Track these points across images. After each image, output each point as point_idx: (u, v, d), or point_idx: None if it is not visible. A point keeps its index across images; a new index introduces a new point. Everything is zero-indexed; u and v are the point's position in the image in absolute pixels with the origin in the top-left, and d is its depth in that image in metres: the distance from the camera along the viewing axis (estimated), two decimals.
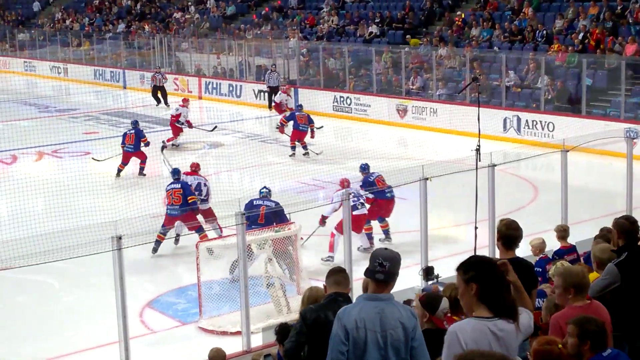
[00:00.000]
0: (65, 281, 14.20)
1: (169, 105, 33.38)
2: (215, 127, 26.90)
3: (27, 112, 34.26)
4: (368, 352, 5.51)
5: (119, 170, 21.59)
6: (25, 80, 45.86)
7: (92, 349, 11.49)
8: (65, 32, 49.62)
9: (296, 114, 24.01)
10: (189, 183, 15.66)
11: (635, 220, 7.37)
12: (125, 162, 21.58)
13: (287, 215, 13.47)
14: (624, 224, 7.26)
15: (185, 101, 26.74)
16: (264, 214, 13.61)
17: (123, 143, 21.53)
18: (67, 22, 52.49)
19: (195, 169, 16.52)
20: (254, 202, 13.97)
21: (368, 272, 5.68)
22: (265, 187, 14.54)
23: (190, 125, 25.76)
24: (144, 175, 21.49)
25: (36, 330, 12.45)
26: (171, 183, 15.68)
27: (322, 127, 25.39)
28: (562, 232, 10.76)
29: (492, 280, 4.85)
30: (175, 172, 16.00)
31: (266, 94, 33.10)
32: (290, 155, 23.46)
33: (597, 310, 6.00)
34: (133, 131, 21.58)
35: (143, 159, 21.65)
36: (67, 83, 43.54)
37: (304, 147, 23.66)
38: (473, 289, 4.82)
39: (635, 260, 7.00)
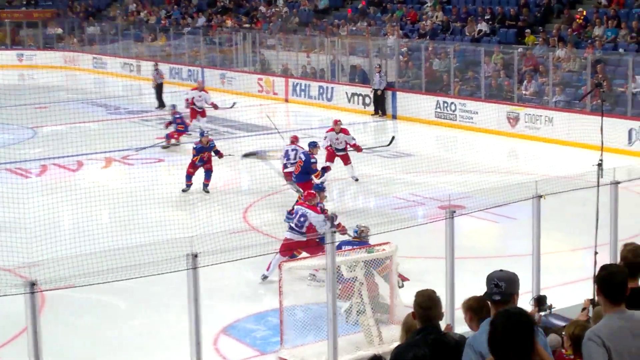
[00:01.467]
0: (133, 303, 14.39)
1: (163, 106, 34.14)
2: (235, 103, 30.61)
3: (96, 113, 34.87)
4: None
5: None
6: (93, 78, 46.65)
7: None
8: (139, 25, 50.43)
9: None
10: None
11: None
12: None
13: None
14: None
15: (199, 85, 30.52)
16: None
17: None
18: (142, 14, 53.24)
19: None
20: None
21: (486, 295, 6.31)
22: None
23: (215, 107, 29.60)
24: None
25: (99, 355, 12.65)
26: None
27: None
28: None
29: None
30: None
31: (364, 98, 33.26)
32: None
33: None
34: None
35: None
36: (140, 82, 44.11)
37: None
38: None
39: None
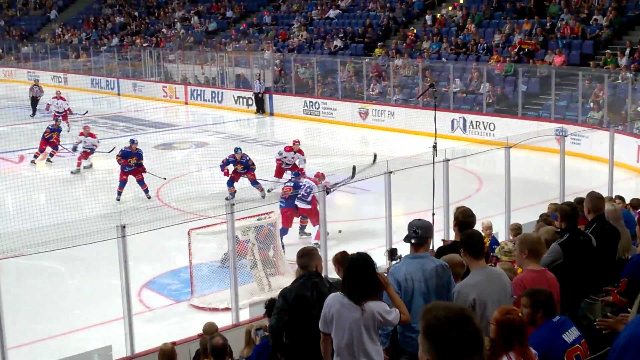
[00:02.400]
0: (71, 267, 14.09)
1: (33, 115, 33.12)
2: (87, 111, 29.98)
3: (32, 116, 33.85)
4: (415, 298, 6.15)
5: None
6: (29, 88, 45.23)
7: (98, 325, 11.43)
8: (64, 45, 49.16)
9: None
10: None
11: (576, 206, 7.46)
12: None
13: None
14: (566, 209, 7.34)
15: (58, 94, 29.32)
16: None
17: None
18: (67, 36, 51.95)
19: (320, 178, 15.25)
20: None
21: (406, 238, 6.46)
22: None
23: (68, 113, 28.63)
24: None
25: (48, 309, 12.37)
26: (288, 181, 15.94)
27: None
28: (516, 230, 10.75)
29: None
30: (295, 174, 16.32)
31: (247, 100, 33.12)
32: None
33: (548, 279, 6.11)
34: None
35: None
36: (67, 91, 43.00)
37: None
38: None
39: (575, 240, 7.08)
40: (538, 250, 6.23)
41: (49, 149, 23.07)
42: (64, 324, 11.64)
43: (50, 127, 23.48)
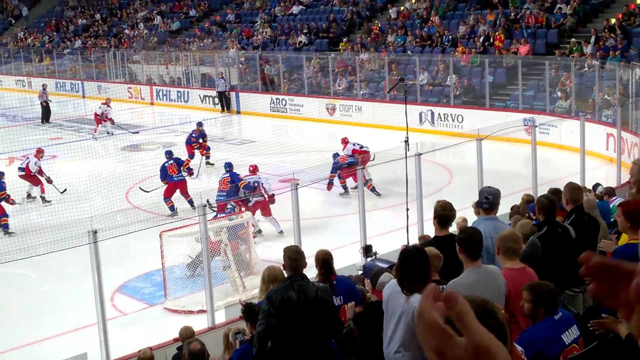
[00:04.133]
0: (41, 273, 13.82)
1: (47, 122, 32.05)
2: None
3: None
4: (495, 255, 6.43)
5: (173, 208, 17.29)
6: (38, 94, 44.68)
7: (72, 332, 11.22)
8: (27, 49, 48.53)
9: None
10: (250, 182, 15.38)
11: (554, 199, 7.38)
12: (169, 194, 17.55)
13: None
14: (544, 202, 7.26)
15: (108, 101, 28.30)
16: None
17: (166, 176, 17.41)
18: (29, 40, 51.35)
19: (254, 169, 15.98)
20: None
21: (477, 203, 7.45)
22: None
23: (112, 123, 27.62)
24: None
25: (19, 317, 12.12)
26: (223, 173, 15.89)
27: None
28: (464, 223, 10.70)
29: None
30: (227, 165, 16.11)
31: (213, 99, 32.90)
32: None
33: (529, 275, 5.99)
34: (172, 161, 17.61)
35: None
36: (31, 95, 42.51)
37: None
38: None
39: (554, 233, 7.01)
40: (513, 248, 6.08)
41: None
42: (36, 332, 11.41)
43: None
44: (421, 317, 1.35)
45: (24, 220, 15.85)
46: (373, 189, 16.70)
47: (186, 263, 12.63)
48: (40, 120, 32.01)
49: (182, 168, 17.61)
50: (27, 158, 19.17)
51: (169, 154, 17.97)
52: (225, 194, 15.16)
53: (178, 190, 17.35)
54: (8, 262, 9.34)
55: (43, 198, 18.71)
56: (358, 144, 17.98)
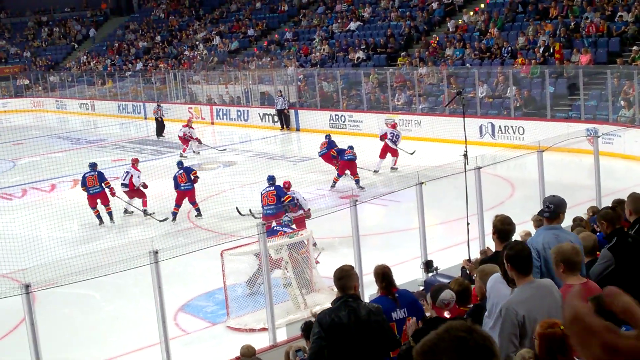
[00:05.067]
0: (105, 293, 14.01)
1: (161, 136, 33.18)
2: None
3: (61, 145, 34.13)
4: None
5: (175, 214, 18.56)
6: (57, 117, 45.72)
7: (135, 352, 11.32)
8: (90, 73, 49.54)
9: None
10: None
11: (618, 209, 7.25)
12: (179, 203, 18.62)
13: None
14: (609, 213, 7.13)
15: (189, 121, 28.63)
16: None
17: (177, 186, 18.53)
18: (92, 64, 52.40)
19: (288, 186, 16.07)
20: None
21: (540, 212, 7.56)
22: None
23: (200, 142, 27.99)
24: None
25: (83, 337, 12.30)
26: (266, 187, 15.89)
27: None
28: (539, 222, 10.58)
29: None
30: (271, 178, 16.07)
31: (272, 117, 33.11)
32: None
33: (591, 290, 5.80)
34: (182, 171, 18.69)
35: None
36: (95, 117, 43.41)
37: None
38: None
39: (624, 243, 6.85)
40: (574, 261, 5.87)
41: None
42: (100, 352, 11.56)
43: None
44: (577, 321, 1.31)
45: (123, 234, 16.08)
46: (357, 182, 19.81)
47: (245, 280, 12.69)
48: (156, 135, 33.30)
49: (190, 176, 18.57)
50: (127, 173, 19.27)
51: (180, 164, 19.21)
52: (273, 207, 15.22)
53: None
54: (68, 284, 9.46)
55: (145, 211, 19.04)
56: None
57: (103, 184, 18.71)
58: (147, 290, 9.19)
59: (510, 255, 5.71)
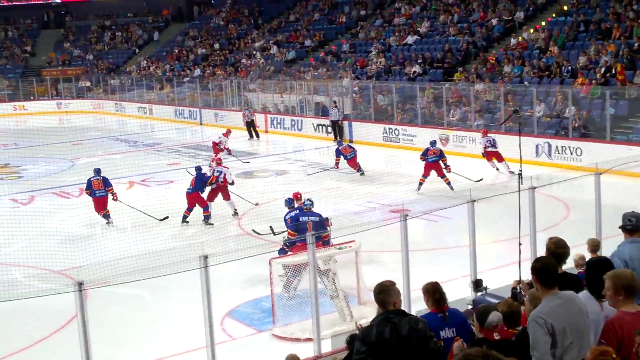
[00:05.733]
0: (154, 295, 14.15)
1: (257, 138, 34.54)
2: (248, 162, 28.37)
3: (119, 147, 34.64)
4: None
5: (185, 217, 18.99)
6: (116, 119, 46.50)
7: (181, 354, 11.40)
8: (149, 77, 50.23)
9: (340, 147, 24.91)
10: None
11: None
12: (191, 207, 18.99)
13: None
14: None
15: (228, 132, 29.25)
16: (311, 228, 13.52)
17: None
18: (151, 69, 53.13)
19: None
20: (300, 217, 14.08)
21: (622, 226, 7.76)
22: (308, 199, 14.60)
23: (229, 152, 28.08)
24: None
25: (131, 336, 12.43)
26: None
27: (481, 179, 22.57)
28: (594, 246, 10.42)
29: None
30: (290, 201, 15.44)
31: (326, 127, 33.19)
32: (361, 174, 24.17)
33: None
34: (195, 176, 19.31)
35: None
36: (152, 121, 43.94)
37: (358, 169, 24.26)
38: None
39: None
40: (634, 288, 5.71)
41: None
42: (148, 351, 11.67)
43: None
44: None
45: (176, 238, 16.23)
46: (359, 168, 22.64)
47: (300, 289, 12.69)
48: (248, 137, 34.60)
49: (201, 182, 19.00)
50: (220, 172, 19.52)
51: (198, 169, 19.52)
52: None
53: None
54: (119, 284, 9.57)
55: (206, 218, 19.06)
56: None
57: (107, 190, 19.36)
58: (196, 294, 9.24)
59: (536, 267, 5.86)
